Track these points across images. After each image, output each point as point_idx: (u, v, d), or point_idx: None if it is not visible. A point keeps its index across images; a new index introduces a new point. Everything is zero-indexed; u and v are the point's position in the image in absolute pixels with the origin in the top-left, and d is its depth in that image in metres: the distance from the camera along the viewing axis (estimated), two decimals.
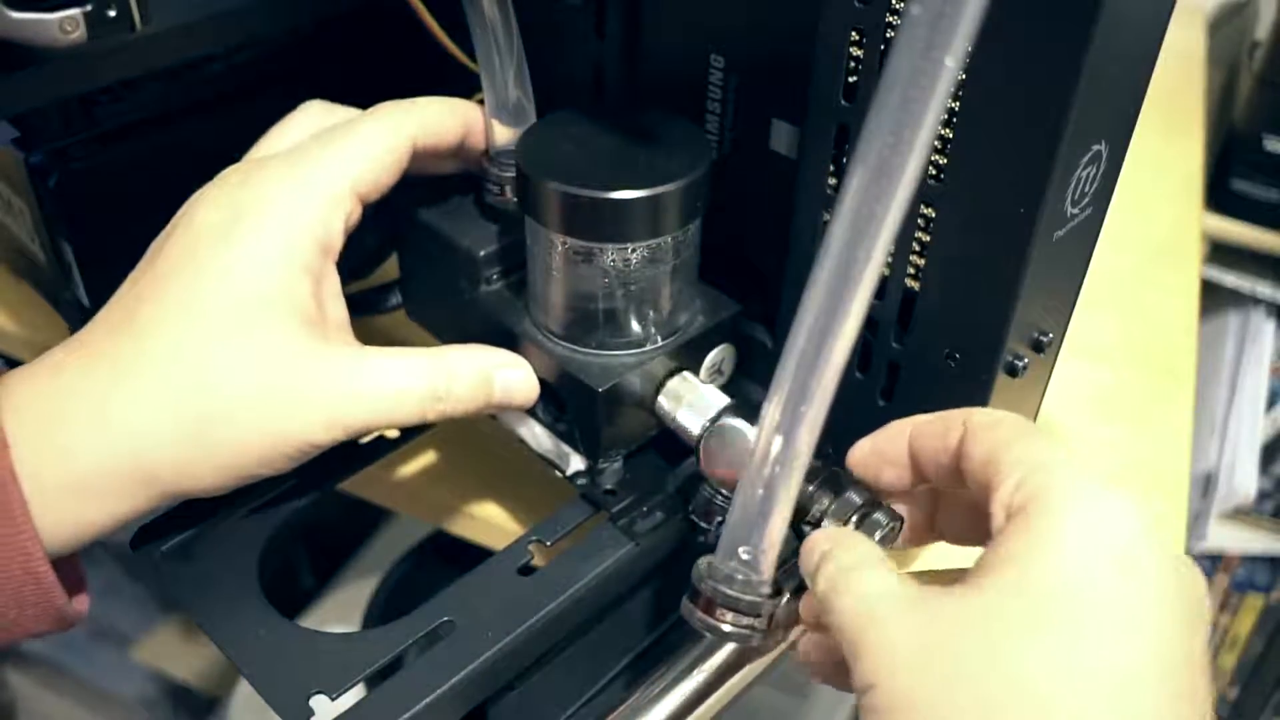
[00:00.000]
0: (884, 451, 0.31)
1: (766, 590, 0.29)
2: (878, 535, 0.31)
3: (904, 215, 0.24)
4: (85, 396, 0.30)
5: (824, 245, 0.25)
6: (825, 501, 0.32)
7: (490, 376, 0.35)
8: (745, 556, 0.29)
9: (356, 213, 0.34)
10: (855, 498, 0.32)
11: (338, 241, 0.34)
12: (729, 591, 0.29)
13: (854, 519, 0.31)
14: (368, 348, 0.34)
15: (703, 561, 0.30)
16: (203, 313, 0.31)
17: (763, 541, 0.28)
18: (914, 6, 0.22)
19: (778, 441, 0.27)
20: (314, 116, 0.36)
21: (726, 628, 0.29)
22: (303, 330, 0.32)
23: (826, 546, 0.29)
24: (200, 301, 0.31)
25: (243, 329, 0.31)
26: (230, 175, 0.33)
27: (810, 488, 0.32)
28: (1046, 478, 0.27)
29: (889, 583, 0.27)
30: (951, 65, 0.22)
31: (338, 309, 0.35)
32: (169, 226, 0.33)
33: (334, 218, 0.33)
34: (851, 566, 0.28)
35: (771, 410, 0.27)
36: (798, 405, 0.26)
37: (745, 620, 0.29)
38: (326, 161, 0.33)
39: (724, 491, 0.35)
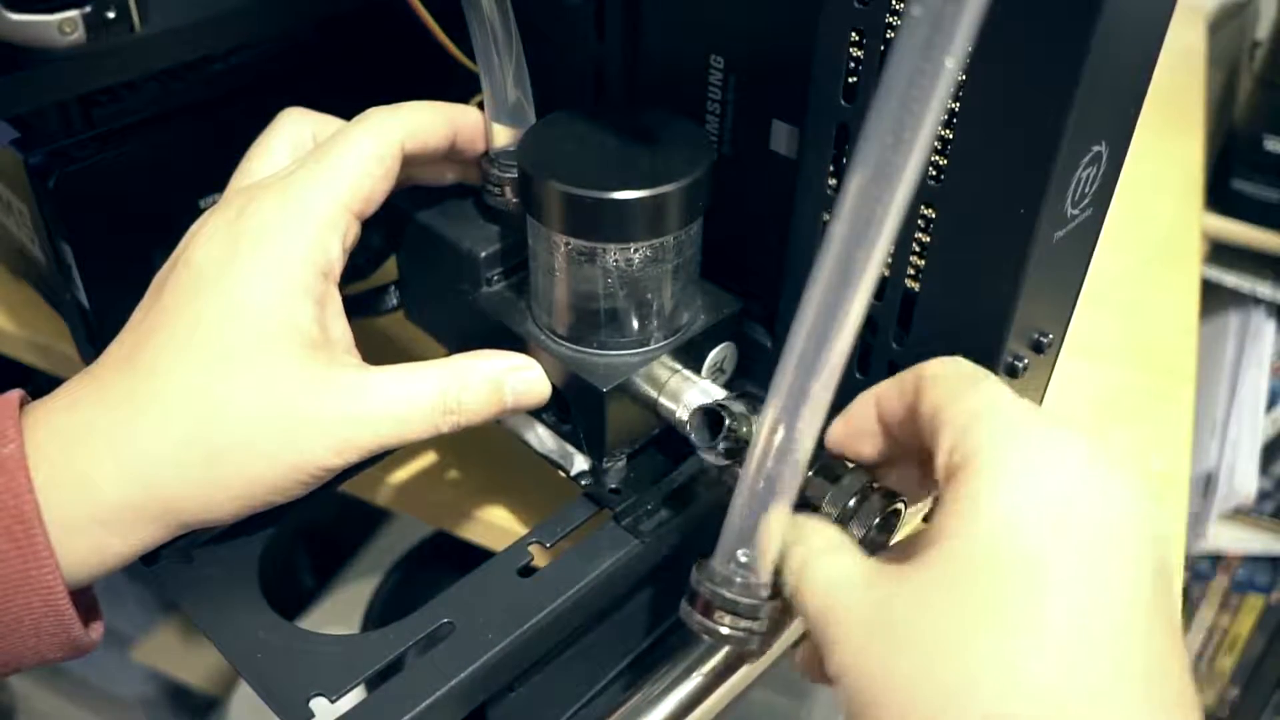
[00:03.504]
0: (857, 425, 0.31)
1: (765, 593, 0.29)
2: (876, 519, 0.31)
3: (904, 216, 0.24)
4: (103, 432, 0.30)
5: (824, 245, 0.24)
6: (822, 489, 0.31)
7: (501, 382, 0.35)
8: (744, 559, 0.28)
9: (354, 230, 0.34)
10: (852, 482, 0.31)
11: (338, 264, 0.34)
12: (727, 594, 0.29)
13: (851, 503, 0.31)
14: (374, 367, 0.33)
15: (701, 563, 0.30)
16: (208, 348, 0.31)
17: (761, 544, 0.28)
18: (914, 7, 0.22)
19: (776, 442, 0.27)
20: (293, 128, 0.36)
21: (725, 630, 0.29)
22: (308, 357, 0.32)
23: (790, 539, 0.29)
24: (205, 337, 0.31)
25: (248, 362, 0.31)
26: (225, 207, 0.33)
27: (809, 474, 0.32)
28: (978, 435, 0.26)
29: (845, 568, 0.27)
30: (952, 66, 0.22)
31: (341, 329, 0.35)
32: (170, 262, 0.34)
33: (331, 241, 0.33)
34: (810, 556, 0.28)
35: (770, 411, 0.27)
36: (797, 406, 0.26)
37: (744, 623, 0.29)
38: (318, 185, 0.33)
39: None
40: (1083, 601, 0.24)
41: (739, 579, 0.29)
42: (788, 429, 0.26)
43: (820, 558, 0.28)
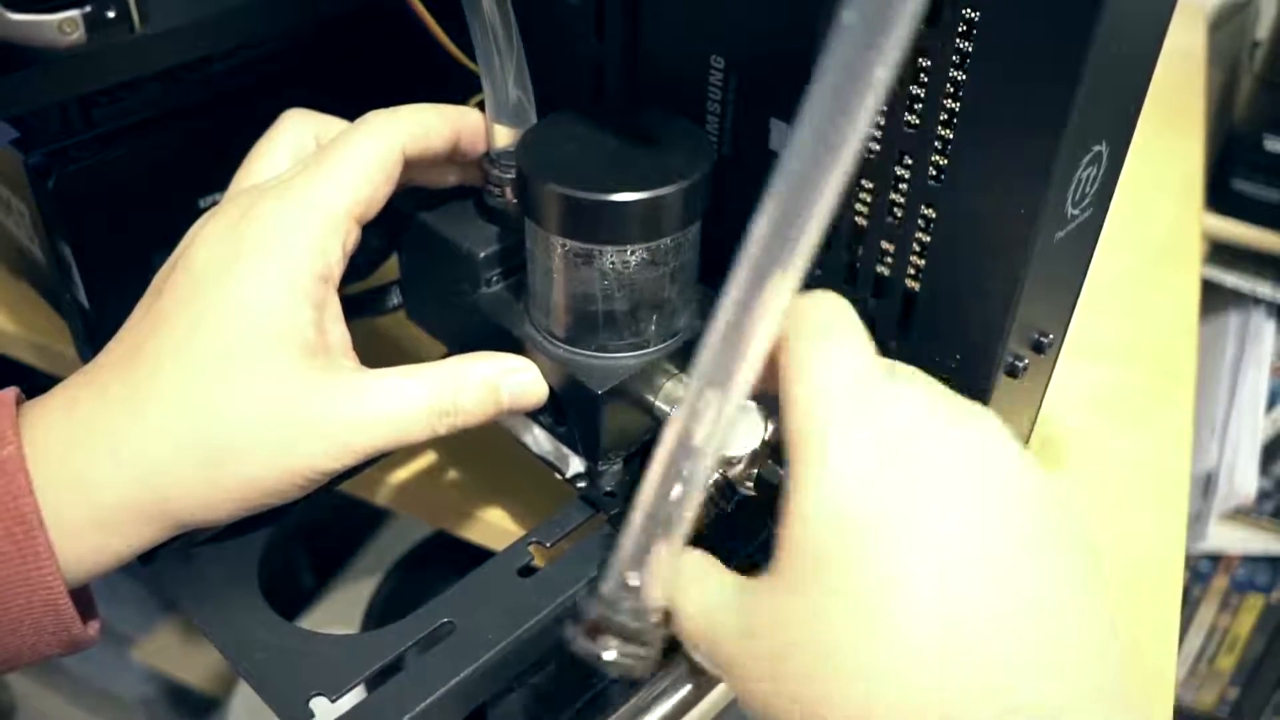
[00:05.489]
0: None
1: (655, 618, 0.28)
2: None
3: (824, 230, 0.23)
4: (102, 433, 0.30)
5: (738, 260, 0.24)
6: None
7: (497, 384, 0.35)
8: (634, 583, 0.28)
9: (355, 234, 0.34)
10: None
11: (338, 268, 0.34)
12: (615, 618, 0.28)
13: None
14: (371, 370, 0.34)
15: (590, 587, 0.29)
16: (208, 350, 0.31)
17: (652, 568, 0.28)
18: (847, 14, 0.21)
19: (676, 464, 0.26)
20: (296, 130, 0.36)
21: (609, 655, 0.28)
22: (306, 361, 0.32)
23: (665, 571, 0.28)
24: (205, 339, 0.31)
25: (247, 365, 0.31)
26: (226, 209, 0.34)
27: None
28: (799, 416, 0.26)
29: (716, 590, 0.27)
30: (883, 75, 0.21)
31: (339, 332, 0.35)
32: (169, 262, 0.34)
33: (332, 246, 0.33)
34: (680, 585, 0.28)
35: (671, 433, 0.26)
36: (701, 427, 0.26)
37: (630, 648, 0.28)
38: (320, 189, 0.33)
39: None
40: (936, 574, 0.24)
41: (628, 603, 0.28)
42: (687, 450, 0.26)
43: (690, 586, 0.28)
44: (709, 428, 0.26)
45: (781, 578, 0.25)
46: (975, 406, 0.27)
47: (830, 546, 0.24)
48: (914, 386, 0.27)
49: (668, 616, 0.29)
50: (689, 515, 0.27)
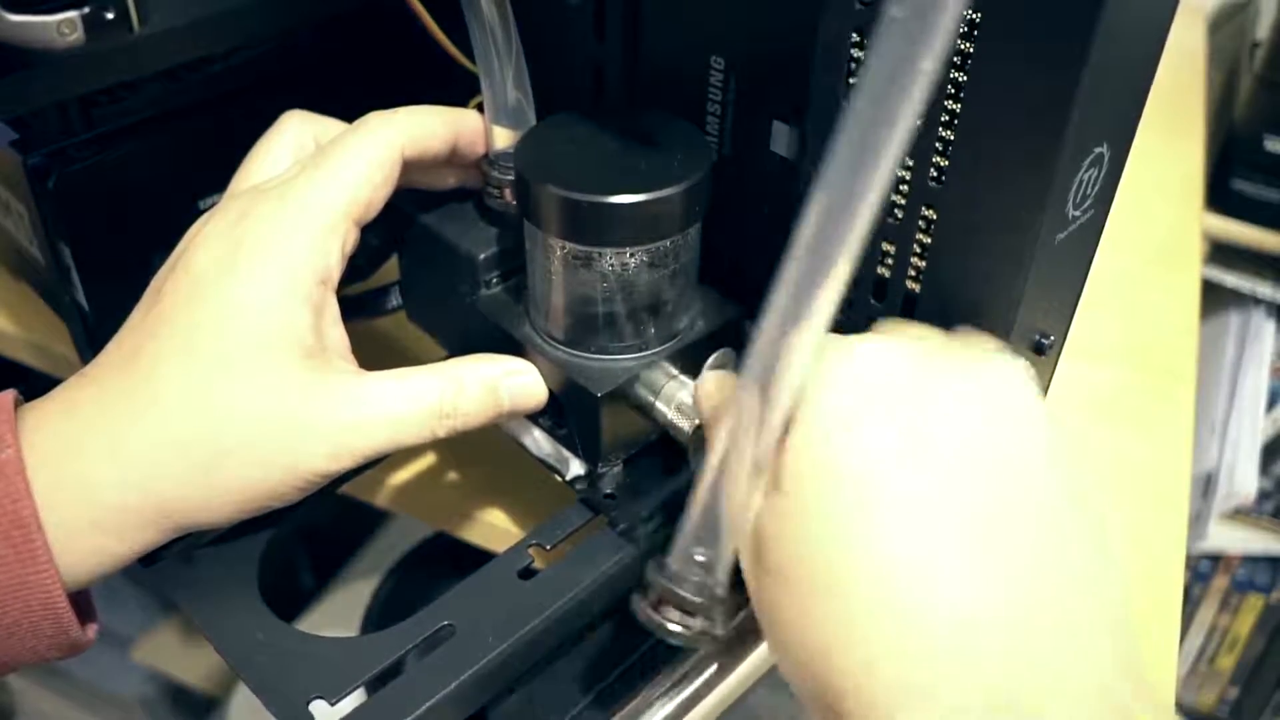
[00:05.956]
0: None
1: (722, 593, 0.29)
2: None
3: (871, 233, 0.23)
4: (101, 434, 0.30)
5: (789, 254, 0.24)
6: None
7: (497, 386, 0.35)
8: (701, 559, 0.28)
9: (354, 236, 0.34)
10: None
11: (337, 271, 0.34)
12: (682, 593, 0.28)
13: None
14: (370, 373, 0.34)
15: (657, 559, 0.29)
16: (207, 352, 0.31)
17: (720, 544, 0.28)
18: (894, 8, 0.21)
19: (737, 442, 0.26)
20: (295, 131, 0.36)
21: (674, 627, 0.29)
22: (304, 364, 0.32)
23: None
24: (204, 340, 0.31)
25: (247, 366, 0.31)
26: (225, 211, 0.33)
27: None
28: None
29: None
30: (929, 69, 0.21)
31: (337, 335, 0.35)
32: (169, 263, 0.34)
33: (331, 248, 0.33)
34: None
35: (734, 409, 0.26)
36: (760, 409, 0.26)
37: (694, 621, 0.29)
38: (318, 192, 0.33)
39: None
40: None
41: (695, 577, 0.28)
42: (751, 429, 0.26)
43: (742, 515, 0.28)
44: (774, 403, 0.26)
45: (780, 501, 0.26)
46: (973, 359, 0.28)
47: (808, 471, 0.26)
48: (897, 342, 0.28)
49: (734, 590, 0.29)
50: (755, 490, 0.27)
